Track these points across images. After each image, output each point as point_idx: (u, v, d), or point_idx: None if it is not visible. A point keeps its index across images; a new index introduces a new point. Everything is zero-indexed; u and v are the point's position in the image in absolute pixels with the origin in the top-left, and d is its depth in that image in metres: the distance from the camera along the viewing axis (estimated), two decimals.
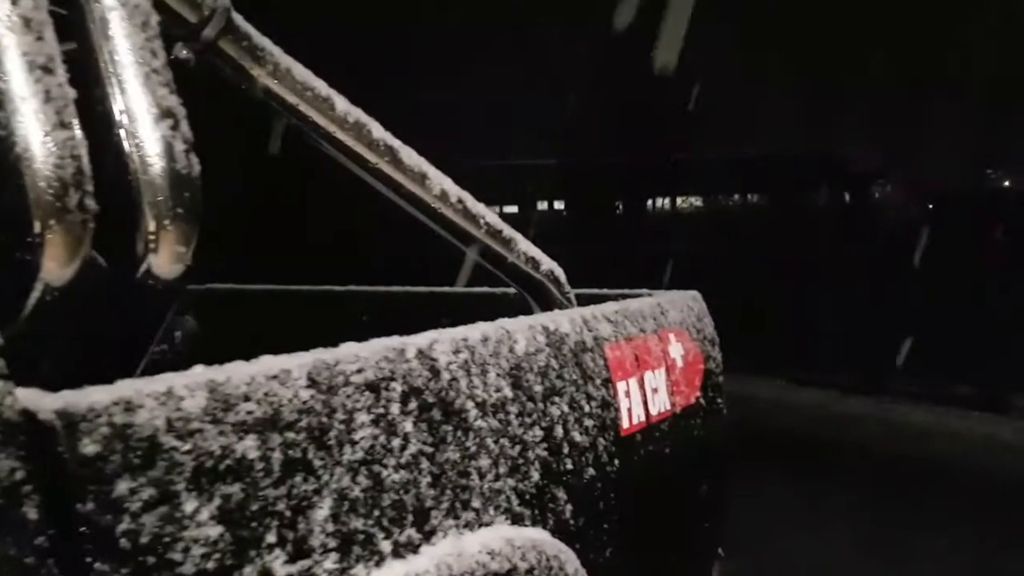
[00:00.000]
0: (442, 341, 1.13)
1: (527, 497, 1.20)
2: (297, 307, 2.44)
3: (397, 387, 1.02)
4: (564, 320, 1.40)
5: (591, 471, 1.36)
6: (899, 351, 6.42)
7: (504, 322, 1.28)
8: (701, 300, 1.86)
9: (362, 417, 0.96)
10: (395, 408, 1.01)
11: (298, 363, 0.91)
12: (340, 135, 1.34)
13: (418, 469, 1.02)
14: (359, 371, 0.97)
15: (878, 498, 4.74)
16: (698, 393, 1.72)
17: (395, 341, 1.06)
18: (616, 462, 1.43)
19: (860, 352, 6.67)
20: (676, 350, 1.67)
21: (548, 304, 1.64)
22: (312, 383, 0.92)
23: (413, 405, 1.04)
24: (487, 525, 1.11)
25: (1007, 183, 14.81)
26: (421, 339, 1.10)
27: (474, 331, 1.20)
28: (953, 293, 6.47)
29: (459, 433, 1.10)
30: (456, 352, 1.14)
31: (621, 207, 16.30)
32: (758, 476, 5.00)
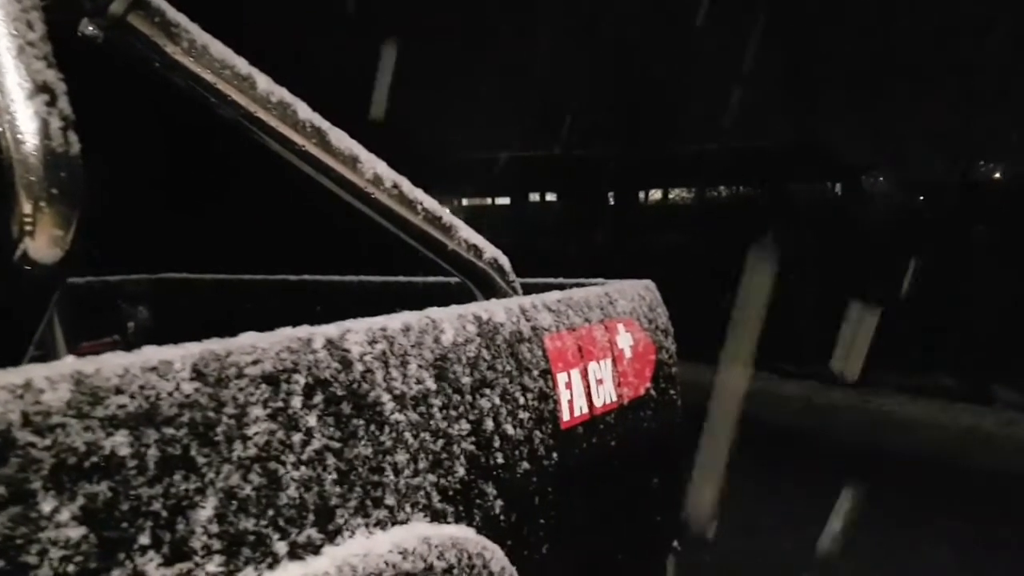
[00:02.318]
0: (356, 331, 1.07)
1: (450, 493, 1.15)
2: (251, 296, 2.38)
3: (300, 379, 0.97)
4: (499, 309, 1.35)
5: (526, 465, 1.31)
6: (883, 343, 6.38)
7: (431, 311, 1.23)
8: (654, 289, 1.81)
9: (257, 411, 0.90)
10: (297, 402, 0.95)
11: (182, 354, 0.86)
12: (263, 115, 1.28)
13: (322, 466, 0.97)
14: (255, 363, 0.92)
15: (858, 490, 4.71)
16: (648, 384, 1.67)
17: (302, 331, 1.01)
18: (555, 456, 1.38)
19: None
20: (624, 340, 1.61)
21: (492, 293, 1.59)
22: (198, 375, 0.86)
23: (319, 398, 0.98)
24: (402, 523, 1.06)
25: (997, 175, 14.78)
26: (332, 329, 1.05)
27: (394, 321, 1.15)
28: (937, 284, 6.44)
29: (372, 427, 1.05)
30: (372, 343, 1.09)
31: (612, 199, 16.23)
32: (738, 467, 4.97)
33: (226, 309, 2.41)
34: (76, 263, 0.90)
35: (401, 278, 2.24)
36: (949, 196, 8.71)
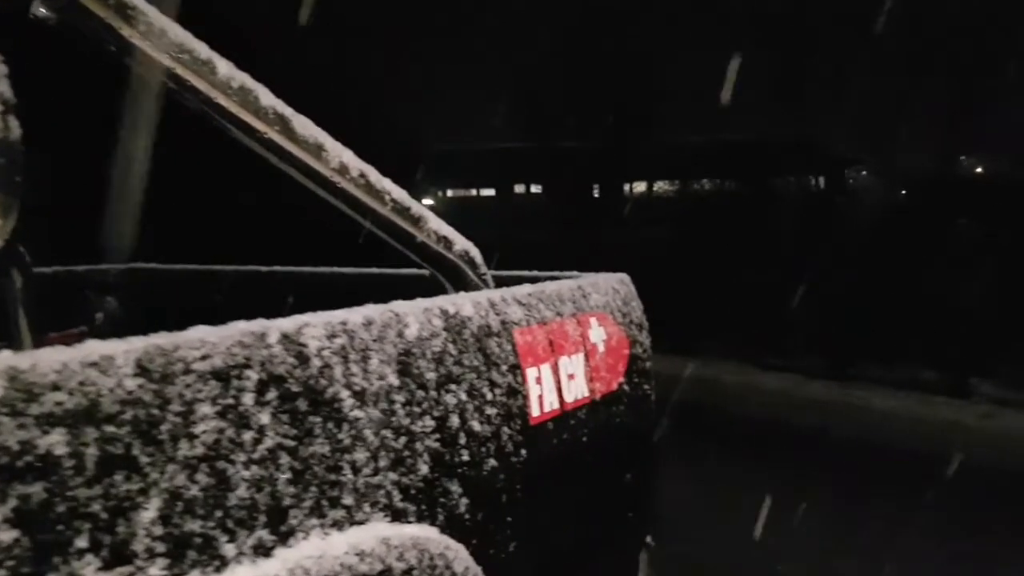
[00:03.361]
0: (314, 325, 1.04)
1: (412, 492, 1.12)
2: (222, 288, 2.34)
3: (253, 375, 0.93)
4: (467, 303, 1.32)
5: (493, 462, 1.28)
6: (863, 336, 6.40)
7: (395, 305, 1.20)
8: (629, 283, 1.78)
9: (205, 409, 0.87)
10: (248, 398, 0.92)
11: (125, 349, 0.82)
12: (223, 101, 1.24)
13: (275, 465, 0.93)
14: (204, 358, 0.89)
15: (839, 483, 4.72)
16: (621, 379, 1.65)
17: (255, 325, 0.97)
18: (523, 452, 1.36)
19: (825, 337, 6.66)
20: (597, 334, 1.59)
21: (462, 286, 1.55)
22: (142, 371, 0.83)
23: (272, 395, 0.95)
24: (360, 523, 1.03)
25: (979, 169, 14.87)
26: (288, 323, 1.01)
27: (355, 314, 1.11)
28: (918, 279, 6.46)
29: (330, 425, 1.01)
30: (331, 337, 1.06)
31: (597, 190, 16.22)
32: (720, 460, 4.98)
33: (197, 300, 2.37)
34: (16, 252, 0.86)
35: (375, 269, 2.21)
36: (931, 190, 8.75)
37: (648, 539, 1.83)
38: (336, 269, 2.30)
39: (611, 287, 1.71)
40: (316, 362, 1.02)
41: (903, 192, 11.07)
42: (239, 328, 0.95)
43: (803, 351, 6.61)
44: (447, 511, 1.18)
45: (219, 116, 1.25)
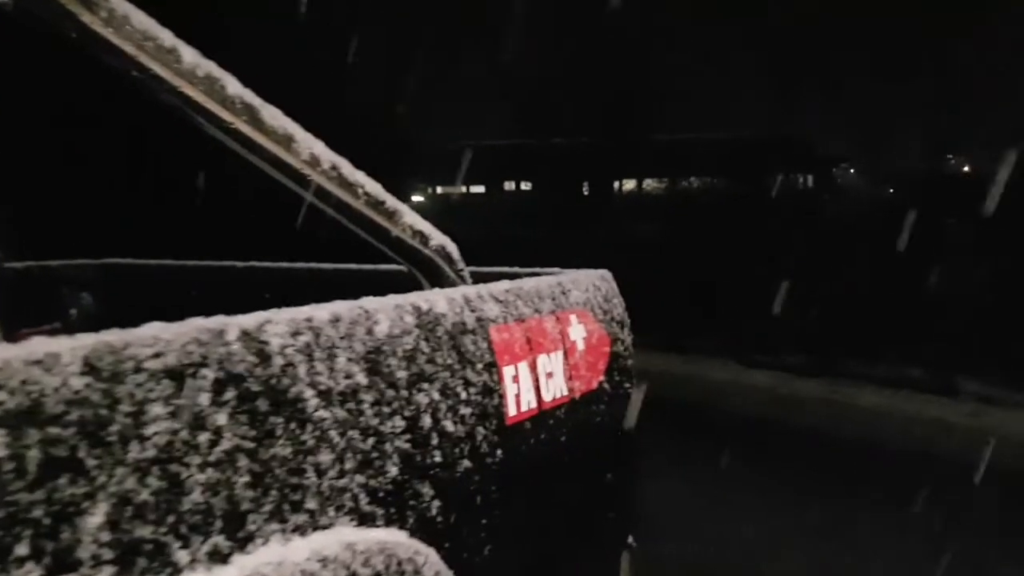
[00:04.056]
0: (277, 322, 1.00)
1: (381, 495, 1.09)
2: (198, 283, 2.30)
3: (209, 374, 0.90)
4: (441, 299, 1.28)
5: (467, 463, 1.25)
6: (851, 334, 6.40)
7: (365, 301, 1.16)
8: (611, 279, 1.75)
9: (157, 409, 0.83)
10: (204, 398, 0.88)
11: (72, 347, 0.79)
12: (188, 91, 1.20)
13: (233, 467, 0.90)
14: (157, 356, 0.85)
15: (825, 481, 4.71)
16: (602, 377, 1.62)
17: (213, 321, 0.94)
18: (499, 452, 1.32)
19: (812, 335, 6.65)
20: (577, 332, 1.56)
21: (439, 282, 1.52)
22: (89, 369, 0.79)
23: (230, 394, 0.91)
24: (324, 528, 0.99)
25: (966, 168, 14.91)
26: (248, 319, 0.97)
27: (321, 311, 1.08)
28: (905, 277, 6.46)
29: (292, 425, 0.98)
30: (295, 334, 1.02)
31: (586, 188, 16.20)
32: (706, 457, 4.96)
33: (172, 296, 2.32)
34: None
35: (353, 266, 2.17)
36: (918, 189, 8.76)
37: (630, 540, 1.80)
38: (316, 265, 2.26)
39: (592, 284, 1.68)
40: (278, 360, 0.98)
41: (890, 190, 11.09)
42: (195, 325, 0.91)
43: (790, 349, 6.60)
44: (417, 514, 1.14)
45: (184, 106, 1.21)
